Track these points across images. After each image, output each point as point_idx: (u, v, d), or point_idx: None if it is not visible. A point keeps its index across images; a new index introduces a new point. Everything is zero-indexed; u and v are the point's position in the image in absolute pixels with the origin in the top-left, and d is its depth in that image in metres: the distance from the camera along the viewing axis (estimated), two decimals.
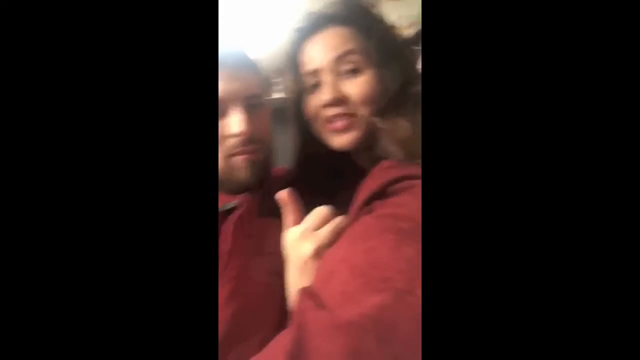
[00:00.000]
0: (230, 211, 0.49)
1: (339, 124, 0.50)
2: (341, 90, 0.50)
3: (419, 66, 0.53)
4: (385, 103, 0.50)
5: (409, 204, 0.36)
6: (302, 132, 0.59)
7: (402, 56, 0.52)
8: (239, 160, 0.50)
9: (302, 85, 0.55)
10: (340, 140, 0.51)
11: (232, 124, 0.49)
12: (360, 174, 0.51)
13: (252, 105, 0.52)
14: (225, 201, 0.50)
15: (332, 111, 0.50)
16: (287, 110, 0.61)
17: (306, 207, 0.56)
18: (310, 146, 0.59)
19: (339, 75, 0.51)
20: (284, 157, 0.64)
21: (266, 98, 0.97)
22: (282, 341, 0.26)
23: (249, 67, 0.54)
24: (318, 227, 0.41)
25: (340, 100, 0.50)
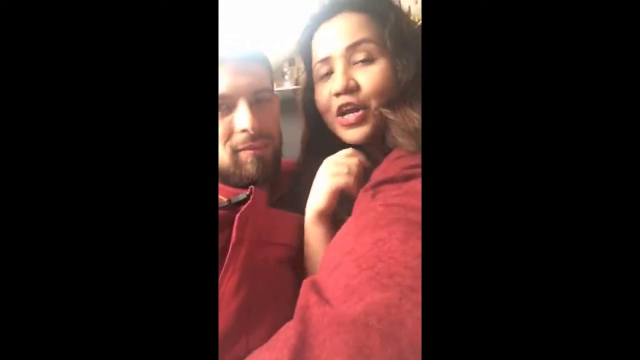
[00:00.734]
0: (240, 203, 0.49)
1: (352, 118, 0.49)
2: (353, 79, 0.49)
3: None
4: (396, 94, 0.48)
5: (420, 193, 0.35)
6: (312, 122, 0.59)
7: (416, 45, 0.50)
8: (246, 155, 0.50)
9: (314, 73, 0.54)
10: (352, 135, 0.51)
11: (240, 119, 0.49)
12: (370, 161, 0.50)
13: (261, 99, 0.51)
14: (235, 193, 0.50)
15: (343, 100, 0.49)
16: (296, 101, 0.61)
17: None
18: (320, 136, 0.58)
19: (351, 63, 0.50)
20: (293, 149, 0.64)
21: (277, 89, 0.97)
22: (286, 335, 0.26)
23: (258, 60, 0.53)
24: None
25: (351, 90, 0.49)
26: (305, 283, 0.30)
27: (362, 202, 0.41)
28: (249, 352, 0.31)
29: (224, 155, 0.50)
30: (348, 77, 0.49)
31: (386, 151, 0.49)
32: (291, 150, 0.64)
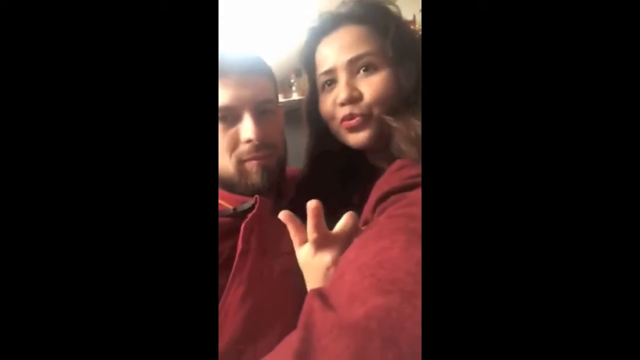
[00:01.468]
0: (246, 211, 0.50)
1: (354, 121, 0.50)
2: (356, 88, 0.50)
3: None
4: (398, 102, 0.49)
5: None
6: (317, 131, 0.60)
7: (418, 53, 0.52)
8: (251, 165, 0.51)
9: (318, 84, 0.55)
10: (355, 138, 0.52)
11: (244, 130, 0.50)
12: (375, 173, 0.51)
13: (264, 110, 0.53)
14: (240, 202, 0.51)
15: (347, 110, 0.50)
16: (302, 111, 0.62)
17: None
18: (325, 146, 0.59)
19: (353, 74, 0.51)
20: (299, 158, 0.65)
21: (284, 99, 0.98)
22: (290, 341, 0.26)
23: (261, 73, 0.55)
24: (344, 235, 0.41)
25: (355, 99, 0.50)
26: (311, 291, 0.31)
27: (368, 215, 0.42)
28: None
29: (229, 166, 0.52)
30: (352, 87, 0.50)
31: (389, 159, 0.49)
32: (298, 160, 0.66)
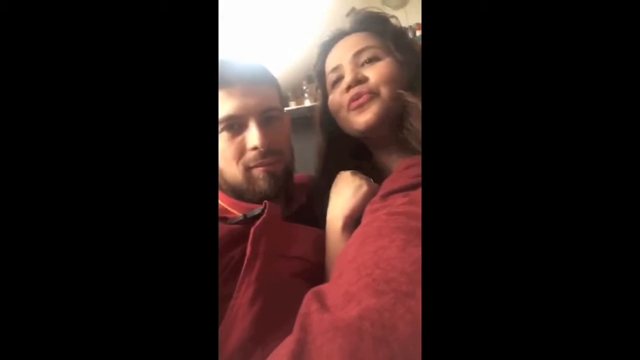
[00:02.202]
0: (255, 217, 0.51)
1: (362, 99, 0.51)
2: (361, 73, 0.53)
3: None
4: (403, 85, 0.51)
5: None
6: (329, 136, 0.61)
7: (416, 49, 0.55)
8: (258, 172, 0.53)
9: (326, 83, 0.58)
10: (363, 118, 0.52)
11: (251, 138, 0.51)
12: (384, 176, 0.51)
13: (270, 117, 0.54)
14: (249, 209, 0.52)
15: (352, 92, 0.52)
16: (313, 117, 0.63)
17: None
18: (337, 151, 0.60)
19: (358, 65, 0.54)
20: (309, 165, 0.65)
21: (297, 106, 1.00)
22: (287, 342, 0.27)
23: (265, 81, 0.56)
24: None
25: (360, 81, 0.52)
26: (310, 292, 0.31)
27: (370, 212, 0.42)
28: None
29: (237, 173, 0.53)
30: (356, 72, 0.52)
31: (399, 148, 0.51)
32: (307, 166, 0.66)
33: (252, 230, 0.47)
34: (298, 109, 1.00)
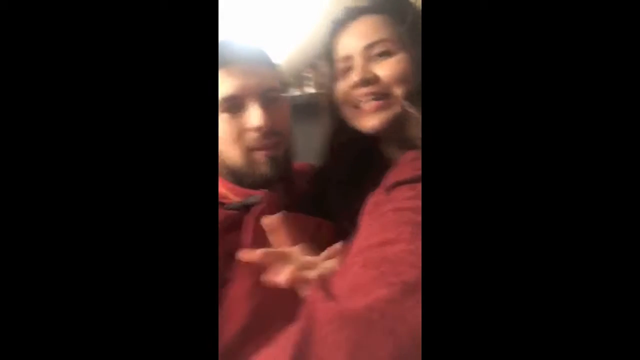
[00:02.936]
0: (251, 205, 0.50)
1: (372, 105, 0.50)
2: (371, 71, 0.51)
3: None
4: (414, 85, 0.49)
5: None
6: (333, 124, 0.60)
7: None
8: (259, 154, 0.51)
9: (335, 72, 0.55)
10: (369, 123, 0.51)
11: (252, 117, 0.50)
12: (388, 165, 0.50)
13: (271, 99, 0.52)
14: (246, 195, 0.51)
15: (361, 92, 0.51)
16: (317, 104, 0.62)
17: (333, 203, 0.56)
18: (341, 138, 0.59)
19: (370, 59, 0.51)
20: (309, 153, 0.64)
21: (298, 93, 0.98)
22: (291, 331, 0.26)
23: (264, 62, 0.55)
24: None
25: (369, 81, 0.50)
26: (315, 282, 0.31)
27: (374, 205, 0.41)
28: None
29: (237, 156, 0.51)
30: (365, 70, 0.51)
31: (402, 148, 0.49)
32: (309, 155, 0.65)
33: (246, 219, 0.46)
34: (300, 95, 0.98)
